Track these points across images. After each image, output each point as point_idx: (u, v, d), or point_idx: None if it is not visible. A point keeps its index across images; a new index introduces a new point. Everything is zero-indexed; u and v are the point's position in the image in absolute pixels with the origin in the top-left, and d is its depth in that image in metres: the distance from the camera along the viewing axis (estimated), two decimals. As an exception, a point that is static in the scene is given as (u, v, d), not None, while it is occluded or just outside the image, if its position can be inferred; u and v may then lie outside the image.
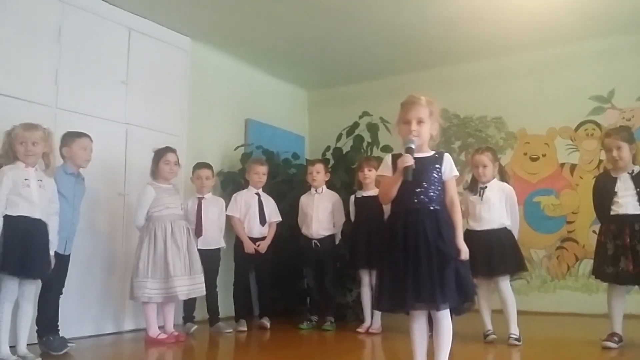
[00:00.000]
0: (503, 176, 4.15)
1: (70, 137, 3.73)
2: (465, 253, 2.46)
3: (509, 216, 4.01)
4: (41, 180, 3.34)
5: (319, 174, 4.80)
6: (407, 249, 2.44)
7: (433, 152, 2.59)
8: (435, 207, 2.49)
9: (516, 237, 4.04)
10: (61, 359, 3.45)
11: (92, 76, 4.47)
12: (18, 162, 3.29)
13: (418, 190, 2.50)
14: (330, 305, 4.80)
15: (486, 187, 4.02)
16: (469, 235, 3.94)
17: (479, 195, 4.01)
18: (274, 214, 4.89)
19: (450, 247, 2.43)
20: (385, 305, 2.58)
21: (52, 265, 3.38)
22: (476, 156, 4.09)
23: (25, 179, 3.25)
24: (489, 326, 3.95)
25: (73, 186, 3.73)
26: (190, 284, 4.09)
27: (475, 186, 4.09)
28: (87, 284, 4.27)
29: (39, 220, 3.28)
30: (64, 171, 3.67)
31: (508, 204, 4.02)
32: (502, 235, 3.95)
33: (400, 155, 2.51)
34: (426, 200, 2.49)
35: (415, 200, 2.50)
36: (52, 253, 3.36)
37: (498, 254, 3.88)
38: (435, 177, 2.53)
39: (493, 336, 3.90)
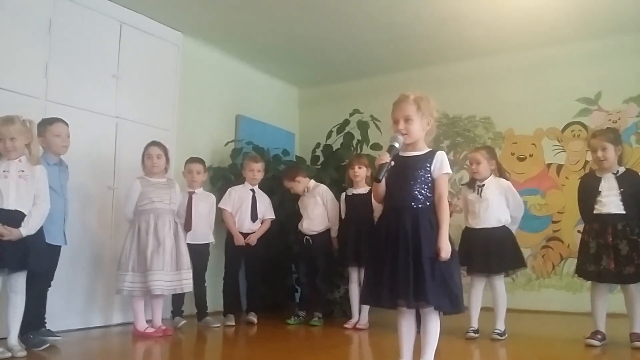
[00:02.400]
0: (502, 173, 4.19)
1: (43, 126, 3.63)
2: (445, 252, 2.40)
3: (513, 209, 4.04)
4: (23, 171, 3.29)
5: (292, 188, 4.89)
6: (388, 247, 2.47)
7: (427, 150, 2.58)
8: (418, 206, 2.49)
9: (515, 228, 4.10)
10: (47, 352, 3.43)
11: (83, 69, 4.45)
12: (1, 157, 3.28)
13: (403, 189, 2.52)
14: (319, 301, 4.83)
15: (484, 185, 4.06)
16: (468, 233, 4.05)
17: (478, 194, 4.05)
18: (268, 211, 4.92)
19: (428, 246, 2.41)
20: (367, 300, 2.65)
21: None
22: (471, 153, 4.18)
23: (4, 171, 3.23)
24: (474, 323, 4.00)
25: (58, 176, 3.70)
26: (175, 279, 4.06)
27: (473, 184, 4.13)
28: (74, 277, 4.26)
29: (14, 211, 3.22)
30: (47, 163, 3.59)
31: (509, 198, 4.05)
32: (501, 233, 4.00)
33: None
34: (410, 199, 2.50)
35: (400, 199, 2.53)
36: (23, 234, 3.22)
37: (495, 252, 3.94)
38: (424, 176, 2.52)
39: (472, 334, 3.93)
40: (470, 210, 4.09)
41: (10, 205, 3.22)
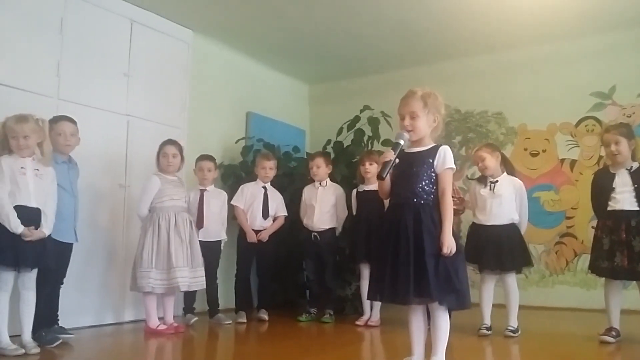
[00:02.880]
0: (509, 168, 4.16)
1: (50, 125, 3.61)
2: (447, 247, 2.38)
3: (518, 211, 4.03)
4: (38, 170, 3.34)
5: (319, 169, 4.81)
6: (390, 243, 2.46)
7: (431, 146, 2.56)
8: (420, 202, 2.47)
9: (523, 232, 4.07)
10: (60, 349, 3.45)
11: (94, 68, 4.47)
12: (14, 154, 3.31)
13: (406, 185, 2.51)
14: (329, 298, 4.82)
15: (497, 181, 4.03)
16: (477, 229, 4.02)
17: (491, 190, 4.02)
18: (280, 208, 4.92)
19: (431, 243, 2.39)
20: (371, 295, 2.65)
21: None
22: (475, 153, 4.16)
23: (22, 167, 3.27)
24: (487, 320, 3.97)
25: (67, 174, 3.71)
26: (192, 276, 4.10)
27: (485, 179, 4.09)
28: (87, 275, 4.29)
29: (36, 209, 3.28)
30: (56, 161, 3.60)
31: (518, 199, 4.04)
32: (511, 231, 3.97)
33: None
34: (412, 195, 2.48)
35: (402, 195, 2.52)
36: (46, 233, 3.30)
37: (507, 249, 3.91)
38: (427, 171, 2.50)
39: (485, 331, 3.91)
40: (481, 206, 4.05)
41: (32, 202, 3.27)
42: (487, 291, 4.02)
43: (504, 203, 3.98)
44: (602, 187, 3.78)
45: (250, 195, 4.84)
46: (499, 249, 3.91)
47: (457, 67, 6.17)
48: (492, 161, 4.04)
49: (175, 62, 5.22)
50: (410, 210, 2.46)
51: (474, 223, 4.10)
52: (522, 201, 4.07)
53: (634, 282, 3.73)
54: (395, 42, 5.79)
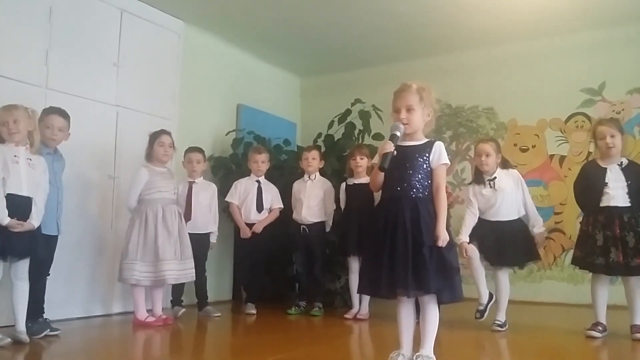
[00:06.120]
0: (503, 163, 4.12)
1: (40, 115, 3.57)
2: (443, 240, 2.41)
3: (524, 203, 3.99)
4: (30, 159, 3.32)
5: (314, 160, 4.82)
6: (386, 236, 2.46)
7: (425, 140, 2.58)
8: (417, 195, 2.49)
9: (540, 224, 4.00)
10: (47, 341, 3.44)
11: (83, 57, 4.42)
12: (7, 142, 3.28)
13: (402, 178, 2.51)
14: (318, 291, 4.83)
15: (495, 177, 3.99)
16: (482, 224, 3.96)
17: (492, 187, 3.97)
18: (275, 200, 4.92)
19: (427, 236, 2.41)
20: (365, 290, 2.65)
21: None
22: (480, 144, 4.07)
23: (15, 156, 3.24)
24: (483, 300, 4.00)
25: (52, 165, 3.64)
26: (180, 268, 4.08)
27: (481, 178, 4.04)
28: (75, 266, 4.26)
29: (27, 197, 3.26)
30: (40, 152, 3.53)
31: (520, 189, 4.01)
32: (516, 225, 3.95)
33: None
34: (408, 188, 2.50)
35: (399, 188, 2.52)
36: (35, 225, 3.29)
37: (511, 245, 3.88)
38: (422, 165, 2.52)
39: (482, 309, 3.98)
40: (487, 206, 3.97)
41: (24, 191, 3.25)
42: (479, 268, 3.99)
43: (508, 196, 3.94)
44: (593, 181, 3.74)
45: (243, 190, 4.85)
46: (506, 244, 3.87)
47: (448, 62, 6.17)
48: (494, 161, 3.99)
49: (165, 53, 5.18)
50: (407, 204, 2.47)
51: (480, 218, 4.02)
52: (524, 190, 4.02)
53: (620, 277, 3.74)
54: (387, 36, 5.78)
